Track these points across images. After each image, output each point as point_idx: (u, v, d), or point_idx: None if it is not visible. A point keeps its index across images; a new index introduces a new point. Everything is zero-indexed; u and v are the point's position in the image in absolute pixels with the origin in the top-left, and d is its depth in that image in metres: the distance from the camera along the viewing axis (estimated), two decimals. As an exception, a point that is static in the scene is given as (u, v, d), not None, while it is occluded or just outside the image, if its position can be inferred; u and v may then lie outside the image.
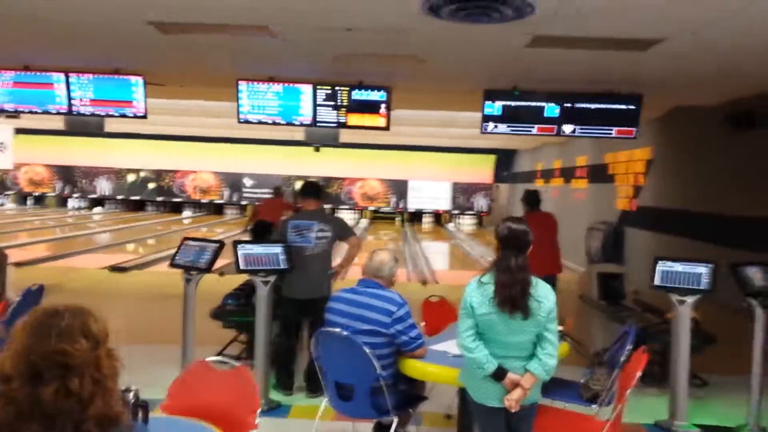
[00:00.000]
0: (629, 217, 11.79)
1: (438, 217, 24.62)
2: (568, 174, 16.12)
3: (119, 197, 24.92)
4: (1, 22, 5.10)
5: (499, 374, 2.91)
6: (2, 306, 4.13)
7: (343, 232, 5.30)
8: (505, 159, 23.63)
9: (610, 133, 7.13)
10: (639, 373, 3.23)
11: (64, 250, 13.60)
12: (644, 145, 10.92)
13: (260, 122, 7.18)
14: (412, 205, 24.41)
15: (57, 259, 12.44)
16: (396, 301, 3.58)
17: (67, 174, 24.64)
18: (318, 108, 7.02)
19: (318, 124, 7.09)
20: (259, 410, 2.56)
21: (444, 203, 24.43)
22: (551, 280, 6.50)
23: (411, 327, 3.54)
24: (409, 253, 15.55)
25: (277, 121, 7.15)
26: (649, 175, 11.00)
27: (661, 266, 4.52)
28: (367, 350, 3.42)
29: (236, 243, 4.64)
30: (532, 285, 2.92)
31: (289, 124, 7.18)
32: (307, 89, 6.99)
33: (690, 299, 4.49)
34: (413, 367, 3.50)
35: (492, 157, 23.76)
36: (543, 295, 2.95)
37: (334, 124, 7.10)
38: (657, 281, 4.51)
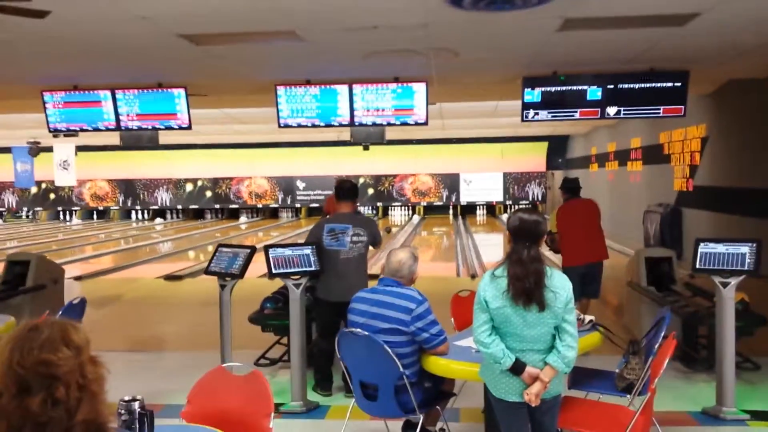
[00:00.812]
0: (687, 198, 11.40)
1: (491, 209, 24.35)
2: (623, 157, 15.70)
3: (179, 207, 25.63)
4: (51, 45, 5.31)
5: (518, 368, 2.85)
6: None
7: (375, 238, 5.27)
8: (558, 145, 23.15)
9: (658, 112, 6.92)
10: (666, 361, 3.10)
11: (126, 262, 14.08)
12: (699, 122, 10.53)
13: (299, 126, 7.25)
14: (465, 198, 24.23)
15: (119, 271, 12.89)
16: (415, 299, 3.56)
17: (128, 187, 25.52)
18: (355, 107, 7.05)
19: (356, 124, 7.11)
20: (272, 413, 2.58)
21: (497, 194, 24.15)
22: (600, 267, 6.45)
23: (431, 324, 3.51)
24: (460, 247, 15.45)
25: (316, 123, 7.21)
26: (704, 153, 10.59)
27: (703, 248, 4.35)
28: (389, 349, 3.41)
29: (267, 247, 4.69)
30: (546, 276, 2.85)
31: (328, 125, 7.23)
32: (343, 89, 7.02)
33: (733, 281, 4.30)
34: (436, 364, 3.47)
35: (544, 144, 23.32)
36: (559, 285, 2.87)
37: (372, 122, 7.11)
38: (698, 264, 4.34)
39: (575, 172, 22.01)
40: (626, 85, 6.77)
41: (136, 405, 2.02)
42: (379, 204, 24.67)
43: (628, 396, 3.41)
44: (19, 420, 1.56)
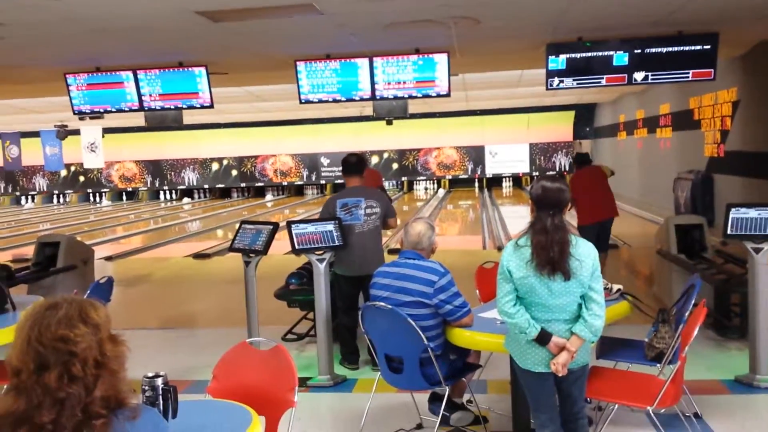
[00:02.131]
0: (718, 164, 11.14)
1: (518, 181, 24.12)
2: (652, 123, 15.39)
3: (205, 186, 25.85)
4: (71, 27, 5.33)
5: (543, 338, 2.80)
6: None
7: (389, 210, 5.26)
8: (585, 114, 22.77)
9: (687, 76, 6.73)
10: (697, 328, 3.03)
11: (155, 241, 14.27)
12: (729, 85, 10.23)
13: (320, 101, 7.21)
14: (490, 170, 24.01)
15: (149, 250, 13.06)
16: (437, 271, 3.52)
17: (156, 168, 25.79)
18: (376, 81, 6.97)
19: (377, 97, 7.04)
20: (296, 387, 2.59)
21: (523, 166, 23.88)
22: (609, 224, 6.84)
23: (455, 296, 3.47)
24: (486, 220, 15.35)
25: (337, 98, 7.16)
26: (736, 117, 10.32)
27: (734, 213, 4.23)
28: (412, 322, 3.39)
29: (290, 223, 4.69)
30: (571, 244, 2.79)
31: (350, 100, 7.18)
32: (363, 63, 6.95)
33: (766, 246, 4.18)
34: (461, 336, 3.44)
35: (571, 114, 22.95)
36: (584, 253, 2.80)
37: (393, 95, 7.03)
38: (729, 230, 4.22)
39: (603, 140, 21.66)
40: (653, 50, 6.59)
41: (159, 381, 2.03)
42: (404, 178, 24.59)
43: (658, 365, 3.36)
44: (38, 396, 1.58)
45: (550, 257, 2.75)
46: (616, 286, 3.70)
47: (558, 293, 2.80)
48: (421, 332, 3.40)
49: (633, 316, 3.87)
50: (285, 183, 25.25)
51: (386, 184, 24.55)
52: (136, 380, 1.85)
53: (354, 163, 5.27)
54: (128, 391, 1.68)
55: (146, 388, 2.03)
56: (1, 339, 3.80)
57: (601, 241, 7.01)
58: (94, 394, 1.60)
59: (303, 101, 7.24)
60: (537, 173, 23.83)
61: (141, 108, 7.46)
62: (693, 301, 3.36)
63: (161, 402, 2.01)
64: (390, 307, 3.48)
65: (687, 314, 3.28)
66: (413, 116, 16.09)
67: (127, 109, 7.50)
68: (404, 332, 3.41)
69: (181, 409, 2.07)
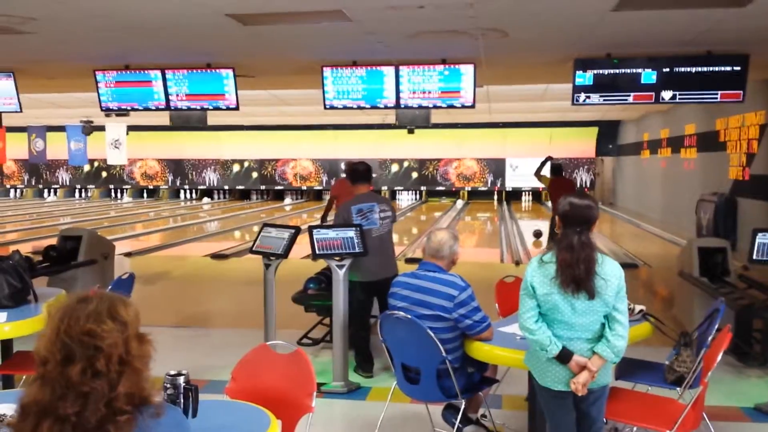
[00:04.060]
0: (742, 187, 11.00)
1: (537, 195, 23.99)
2: (676, 143, 15.26)
3: (225, 187, 26.02)
4: (103, 24, 5.39)
5: (564, 356, 2.76)
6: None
7: (395, 214, 5.45)
8: (608, 131, 22.62)
9: (715, 98, 6.66)
10: (721, 354, 2.98)
11: (174, 240, 14.37)
12: (757, 108, 10.12)
13: (345, 107, 7.22)
14: (510, 183, 23.91)
15: (167, 248, 13.16)
16: (457, 285, 3.49)
17: (177, 167, 26.00)
18: (401, 89, 6.98)
19: (402, 106, 7.05)
20: (314, 392, 2.58)
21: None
22: None
23: (474, 310, 3.44)
24: (504, 233, 15.28)
25: (361, 105, 7.17)
26: (763, 140, 10.19)
27: (761, 238, 4.18)
28: (431, 333, 3.36)
29: (311, 228, 4.70)
30: (597, 263, 2.75)
31: (374, 107, 7.19)
32: (389, 71, 6.96)
33: (792, 273, 4.12)
34: (480, 350, 3.41)
35: (594, 130, 22.82)
36: (610, 273, 2.77)
37: (417, 105, 7.04)
38: (756, 254, 4.16)
39: (626, 158, 21.51)
40: (682, 69, 6.54)
41: (181, 380, 2.04)
42: (423, 188, 24.57)
43: (678, 389, 3.31)
44: (62, 388, 1.60)
45: (575, 275, 2.71)
46: (638, 307, 3.65)
47: (581, 312, 2.76)
48: (439, 344, 3.38)
49: (652, 337, 3.82)
50: (304, 187, 25.35)
51: (405, 194, 24.59)
52: (157, 377, 1.85)
53: (363, 171, 5.46)
54: (152, 388, 1.69)
55: (168, 385, 2.04)
56: (24, 330, 3.84)
57: None
58: (117, 390, 1.61)
59: (327, 107, 7.27)
60: (557, 188, 23.66)
61: (168, 107, 7.52)
62: (716, 326, 3.30)
63: (182, 400, 2.01)
64: (409, 316, 3.46)
65: (710, 339, 3.23)
66: (435, 126, 16.06)
67: (153, 107, 7.56)
68: (422, 343, 3.39)
69: (200, 409, 2.07)
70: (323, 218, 9.12)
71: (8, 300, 4.03)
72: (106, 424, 1.59)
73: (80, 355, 1.61)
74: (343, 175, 8.37)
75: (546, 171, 10.66)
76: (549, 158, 10.67)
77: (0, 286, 4.01)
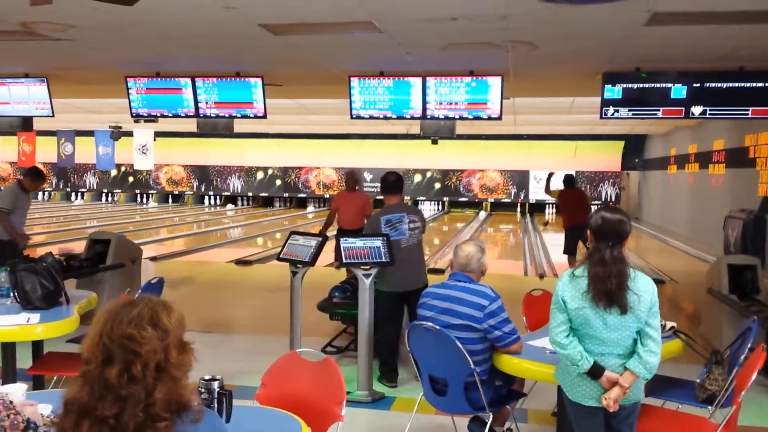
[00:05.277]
0: (773, 204, 10.83)
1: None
2: (704, 159, 15.07)
3: (249, 194, 26.22)
4: (137, 32, 5.49)
5: (596, 372, 2.74)
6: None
7: (425, 225, 5.47)
8: (634, 145, 22.42)
9: (746, 114, 6.59)
10: (755, 374, 2.93)
11: (198, 245, 14.50)
12: (789, 124, 9.98)
13: (371, 117, 7.26)
14: (534, 195, 23.78)
15: (192, 253, 13.28)
16: (488, 295, 3.49)
17: (202, 173, 26.27)
18: (427, 100, 7.00)
19: (428, 117, 7.07)
20: (345, 401, 2.58)
21: (568, 193, 23.56)
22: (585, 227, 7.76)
23: (504, 322, 3.43)
24: (527, 246, 15.19)
25: (388, 115, 7.20)
26: (795, 157, 10.03)
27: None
28: (460, 345, 3.35)
29: (339, 237, 4.72)
30: (630, 278, 2.73)
31: (400, 117, 7.21)
32: (416, 82, 6.98)
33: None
34: (509, 363, 3.39)
35: (620, 144, 22.63)
36: (643, 288, 2.74)
37: (444, 116, 7.04)
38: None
39: (652, 173, 21.28)
40: (713, 84, 6.48)
41: (216, 384, 2.06)
42: (446, 199, 24.53)
43: (709, 407, 3.26)
44: (101, 389, 1.61)
45: (607, 289, 2.69)
46: (669, 324, 3.61)
47: (613, 327, 2.74)
48: (468, 356, 3.36)
49: (680, 354, 3.77)
50: (327, 195, 25.44)
51: (428, 205, 24.57)
52: (192, 382, 1.87)
53: (393, 182, 5.47)
54: (191, 394, 1.69)
55: (202, 390, 2.06)
56: (55, 331, 3.90)
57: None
58: (154, 397, 1.62)
59: (354, 116, 7.30)
60: (581, 202, 23.46)
61: (197, 114, 7.61)
62: (749, 345, 3.25)
63: (216, 405, 2.03)
64: (438, 327, 3.45)
65: (742, 358, 3.18)
66: (459, 137, 16.09)
67: (183, 114, 7.66)
68: (451, 354, 3.38)
69: (233, 414, 2.08)
70: (321, 233, 8.87)
71: (41, 301, 4.10)
72: (145, 430, 1.60)
73: (119, 358, 1.62)
74: (343, 187, 8.36)
75: (559, 184, 10.80)
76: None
77: (33, 288, 4.08)
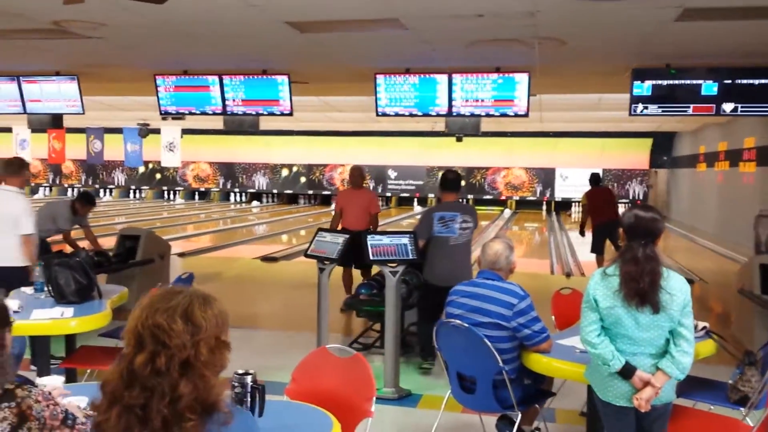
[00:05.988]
0: (805, 203, 10.62)
1: (588, 206, 23.54)
2: (734, 157, 14.82)
3: (274, 191, 26.39)
4: (165, 30, 5.56)
5: (627, 372, 2.71)
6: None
7: (476, 224, 5.58)
8: (663, 142, 22.10)
9: (779, 110, 6.47)
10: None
11: (224, 241, 14.63)
12: (823, 121, 9.77)
13: (397, 114, 7.26)
14: (560, 193, 23.56)
15: (218, 250, 13.40)
16: (517, 294, 3.47)
17: (228, 170, 26.50)
18: (453, 97, 6.98)
19: (454, 114, 7.05)
20: (374, 397, 2.59)
21: (595, 191, 23.31)
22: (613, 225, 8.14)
23: (534, 320, 3.41)
24: (554, 244, 15.07)
25: (413, 112, 7.20)
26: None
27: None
28: (489, 343, 3.35)
29: (365, 234, 4.74)
30: (663, 277, 2.69)
31: (426, 115, 7.20)
32: (442, 79, 6.96)
33: None
34: (538, 362, 3.37)
35: (648, 141, 22.32)
36: (676, 287, 2.70)
37: (470, 113, 7.02)
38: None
39: (681, 171, 20.98)
40: (745, 81, 6.38)
41: (249, 379, 2.08)
42: (470, 196, 24.43)
43: (742, 409, 3.21)
44: (129, 375, 1.60)
45: (640, 288, 2.66)
46: (701, 324, 3.56)
47: (645, 326, 2.71)
48: (496, 354, 3.36)
49: (712, 355, 3.72)
50: (351, 193, 25.48)
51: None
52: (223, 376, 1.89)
53: (452, 180, 5.66)
54: (220, 395, 1.64)
55: (236, 384, 2.08)
56: (88, 325, 3.97)
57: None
58: (179, 392, 1.57)
59: (380, 114, 7.31)
60: (608, 200, 23.20)
61: (224, 112, 7.68)
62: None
63: (249, 399, 2.05)
64: (466, 325, 3.45)
65: (776, 359, 3.13)
66: (484, 134, 15.98)
67: (210, 112, 7.74)
68: (479, 352, 3.37)
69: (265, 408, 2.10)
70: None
71: (74, 296, 4.18)
72: (171, 427, 1.57)
73: (148, 347, 1.60)
74: (347, 185, 8.09)
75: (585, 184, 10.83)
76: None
77: (67, 283, 4.16)
